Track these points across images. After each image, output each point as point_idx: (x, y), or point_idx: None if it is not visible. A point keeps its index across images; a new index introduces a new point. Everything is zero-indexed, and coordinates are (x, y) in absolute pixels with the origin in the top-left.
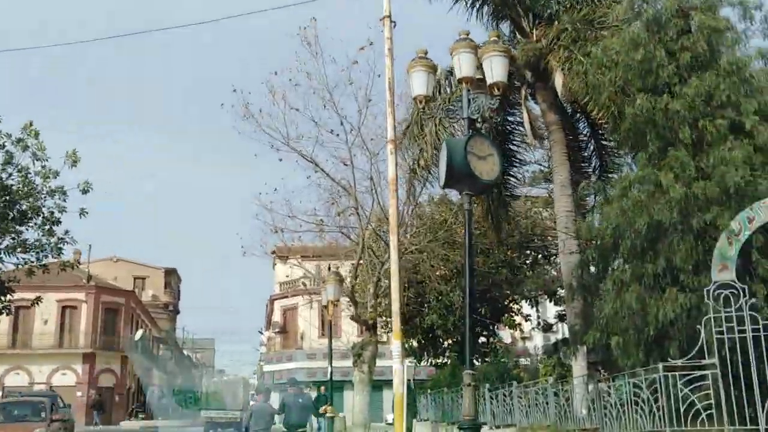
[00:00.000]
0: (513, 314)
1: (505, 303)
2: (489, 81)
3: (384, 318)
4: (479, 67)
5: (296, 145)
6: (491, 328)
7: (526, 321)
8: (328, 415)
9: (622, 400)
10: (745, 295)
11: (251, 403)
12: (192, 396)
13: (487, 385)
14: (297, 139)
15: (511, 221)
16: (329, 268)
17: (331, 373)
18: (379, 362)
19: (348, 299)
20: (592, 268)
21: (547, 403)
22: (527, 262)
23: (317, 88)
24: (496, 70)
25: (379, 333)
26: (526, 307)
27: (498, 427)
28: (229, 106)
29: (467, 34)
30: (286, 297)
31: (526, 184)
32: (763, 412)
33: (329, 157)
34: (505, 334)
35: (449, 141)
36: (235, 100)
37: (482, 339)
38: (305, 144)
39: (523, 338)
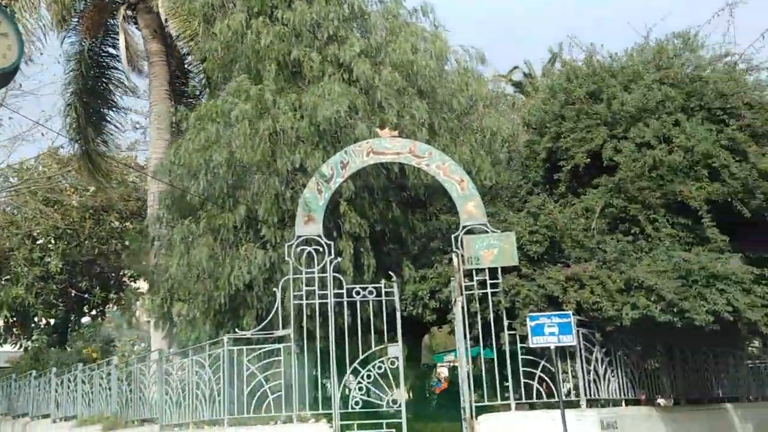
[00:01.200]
0: (128, 292)
1: (118, 279)
2: None
3: None
4: None
5: None
6: (100, 307)
7: (137, 300)
8: None
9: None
10: (330, 254)
11: None
12: None
13: (54, 370)
14: None
15: (126, 183)
16: None
17: None
18: None
19: None
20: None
21: (110, 389)
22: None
23: None
24: None
25: None
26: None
27: (61, 419)
28: None
29: None
30: None
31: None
32: (338, 391)
33: None
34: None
35: None
36: None
37: (87, 318)
38: None
39: None
